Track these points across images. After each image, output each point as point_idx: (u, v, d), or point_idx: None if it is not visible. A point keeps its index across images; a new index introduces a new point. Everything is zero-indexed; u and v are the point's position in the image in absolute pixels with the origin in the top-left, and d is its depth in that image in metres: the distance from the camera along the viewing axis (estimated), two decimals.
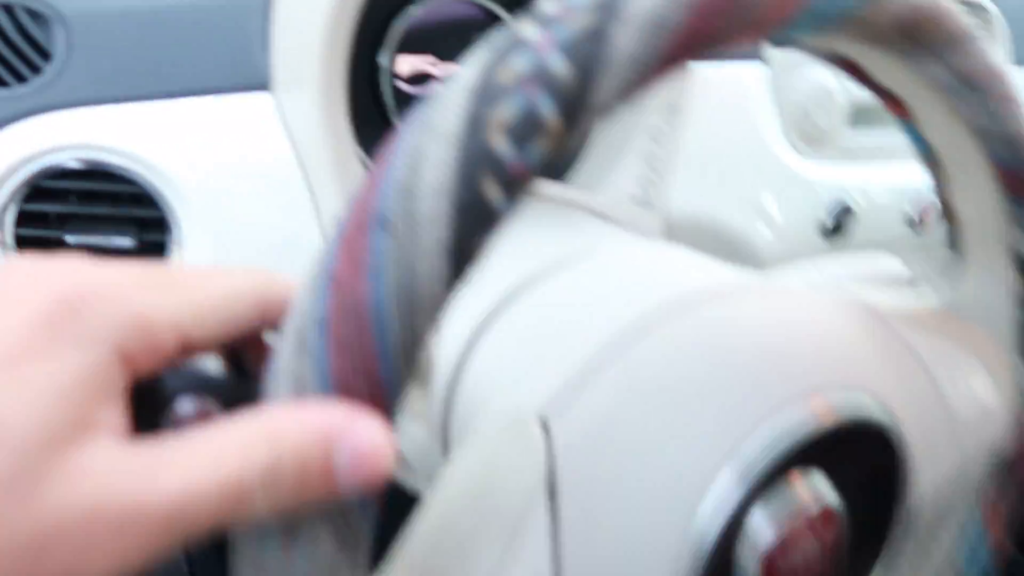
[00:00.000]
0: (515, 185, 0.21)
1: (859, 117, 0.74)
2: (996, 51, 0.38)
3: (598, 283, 0.41)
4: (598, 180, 0.64)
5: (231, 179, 0.52)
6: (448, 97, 0.21)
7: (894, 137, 0.44)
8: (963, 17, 0.32)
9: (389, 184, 0.21)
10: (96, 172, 0.50)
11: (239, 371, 0.27)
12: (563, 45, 0.21)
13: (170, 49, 0.51)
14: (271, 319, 0.25)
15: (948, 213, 0.41)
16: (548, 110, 0.21)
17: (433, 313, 0.21)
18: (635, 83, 0.23)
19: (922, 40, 0.31)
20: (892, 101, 0.36)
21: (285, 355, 0.21)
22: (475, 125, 0.21)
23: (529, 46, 0.22)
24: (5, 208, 0.48)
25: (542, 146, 0.21)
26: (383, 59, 0.60)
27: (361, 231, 0.21)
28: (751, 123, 0.68)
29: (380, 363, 0.20)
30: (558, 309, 0.40)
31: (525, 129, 0.21)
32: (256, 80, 0.52)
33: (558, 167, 0.62)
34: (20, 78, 0.49)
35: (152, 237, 0.51)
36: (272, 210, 0.52)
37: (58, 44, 0.50)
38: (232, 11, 0.52)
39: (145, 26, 0.51)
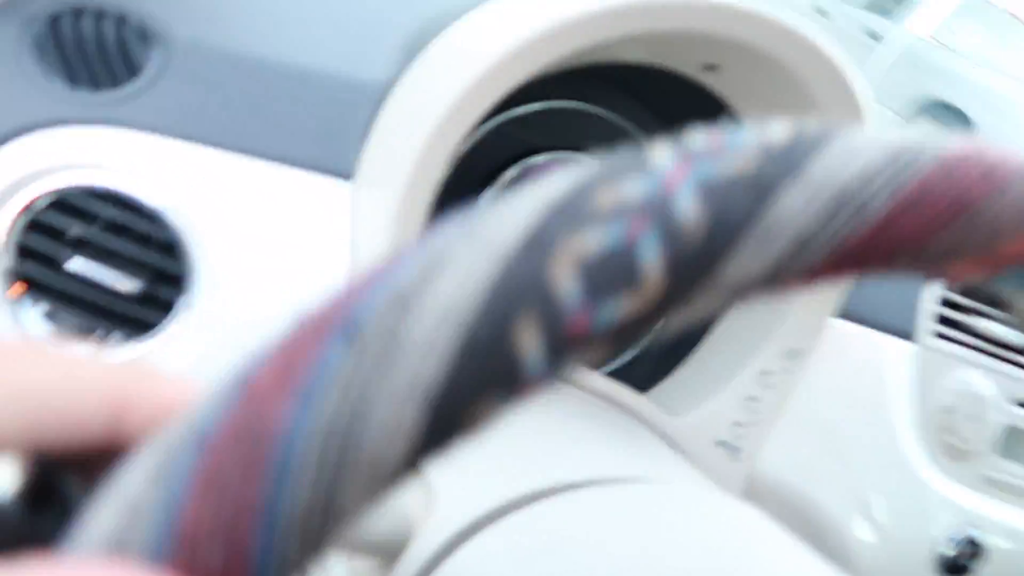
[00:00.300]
0: (565, 345, 0.14)
1: (1013, 443, 0.61)
2: None
3: (645, 525, 0.34)
4: (686, 402, 0.53)
5: (271, 255, 0.45)
6: (514, 203, 0.14)
7: None
8: None
9: (383, 288, 0.14)
10: (131, 205, 0.43)
11: (47, 496, 0.18)
12: (703, 183, 0.14)
13: (264, 105, 0.46)
14: (127, 432, 0.17)
15: None
16: (652, 257, 0.14)
17: (373, 487, 0.13)
18: (792, 269, 0.14)
19: None
20: None
21: (124, 482, 0.13)
22: (538, 244, 0.14)
23: (655, 173, 0.14)
24: (26, 210, 0.42)
25: (626, 305, 0.14)
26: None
27: (316, 336, 0.13)
28: (883, 406, 0.57)
29: (260, 525, 0.12)
30: (588, 535, 0.33)
31: (609, 272, 0.14)
32: (340, 167, 0.46)
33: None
34: (99, 86, 0.45)
35: (162, 292, 0.44)
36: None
37: (151, 64, 0.45)
38: (342, 92, 0.47)
39: (248, 74, 0.46)
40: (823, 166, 0.14)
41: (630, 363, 0.59)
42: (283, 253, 0.45)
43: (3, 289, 0.42)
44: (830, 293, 0.53)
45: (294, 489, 0.13)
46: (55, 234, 0.43)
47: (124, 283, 0.44)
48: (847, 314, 0.55)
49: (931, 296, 0.61)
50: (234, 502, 0.12)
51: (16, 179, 0.42)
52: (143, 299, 0.44)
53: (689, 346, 0.57)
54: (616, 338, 0.13)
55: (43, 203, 0.43)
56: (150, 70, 0.45)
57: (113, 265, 0.44)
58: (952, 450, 0.59)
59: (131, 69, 0.45)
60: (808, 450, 0.55)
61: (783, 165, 0.14)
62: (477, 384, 0.13)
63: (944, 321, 0.61)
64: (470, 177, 0.56)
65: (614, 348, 0.15)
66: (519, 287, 0.13)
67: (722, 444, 0.52)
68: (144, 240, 0.44)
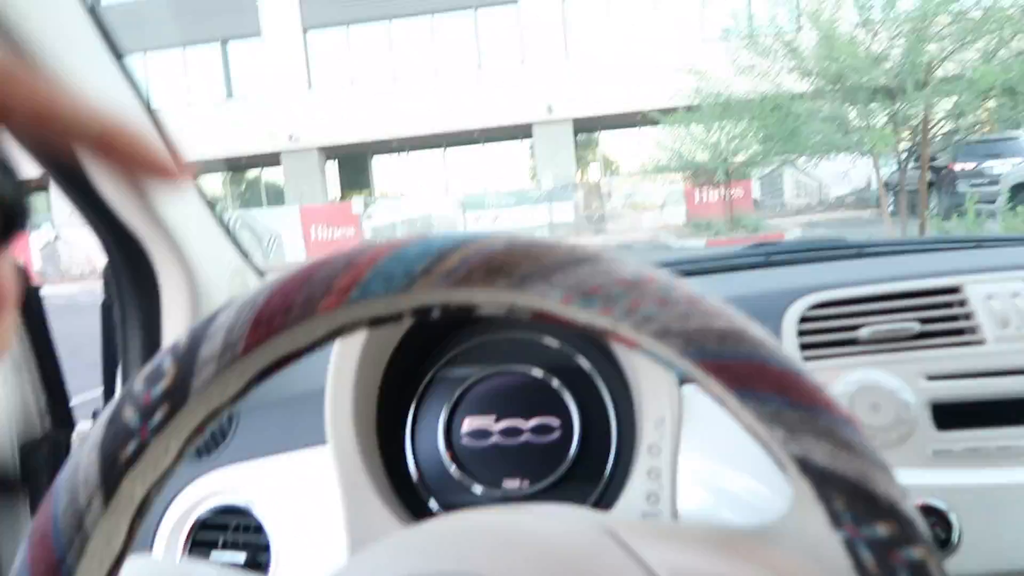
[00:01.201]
0: (146, 410, 0.37)
1: (941, 414, 0.66)
2: (624, 265, 0.39)
3: None
4: (614, 498, 0.69)
5: (305, 516, 0.73)
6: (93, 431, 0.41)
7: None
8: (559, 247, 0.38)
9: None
10: (236, 509, 0.76)
11: None
12: (172, 352, 0.40)
13: (284, 422, 0.78)
14: None
15: (753, 435, 0.39)
16: (168, 363, 0.38)
17: (89, 494, 0.37)
18: (227, 347, 0.38)
19: (514, 272, 0.38)
20: (601, 332, 0.39)
21: None
22: (127, 387, 0.39)
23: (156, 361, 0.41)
24: (190, 530, 0.76)
25: (163, 384, 0.37)
26: (419, 428, 0.79)
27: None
28: None
29: (53, 532, 0.37)
30: None
31: (154, 375, 0.36)
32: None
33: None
34: (209, 451, 0.80)
35: (259, 558, 0.74)
36: (323, 532, 0.71)
37: (231, 429, 0.80)
38: (317, 395, 0.78)
39: (272, 410, 0.80)
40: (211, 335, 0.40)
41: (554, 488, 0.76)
42: (310, 511, 0.73)
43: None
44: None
45: (60, 514, 0.39)
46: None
47: (232, 555, 0.74)
48: None
49: (790, 329, 0.72)
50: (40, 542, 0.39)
51: (188, 506, 0.76)
52: (247, 564, 0.74)
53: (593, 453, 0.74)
54: (169, 398, 0.39)
55: (204, 517, 0.76)
56: (229, 433, 0.80)
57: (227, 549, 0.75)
58: (880, 438, 0.66)
59: (223, 435, 0.80)
60: (709, 488, 0.66)
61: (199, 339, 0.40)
62: (114, 438, 0.39)
63: (807, 347, 0.71)
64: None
65: (174, 407, 0.39)
66: (121, 397, 0.39)
67: (647, 515, 0.66)
68: (245, 527, 0.75)
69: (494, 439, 0.79)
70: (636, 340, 0.39)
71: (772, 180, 14.46)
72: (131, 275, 0.77)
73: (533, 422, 0.78)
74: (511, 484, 0.77)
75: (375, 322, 0.41)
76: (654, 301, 0.37)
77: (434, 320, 0.78)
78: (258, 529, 0.74)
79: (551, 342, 0.81)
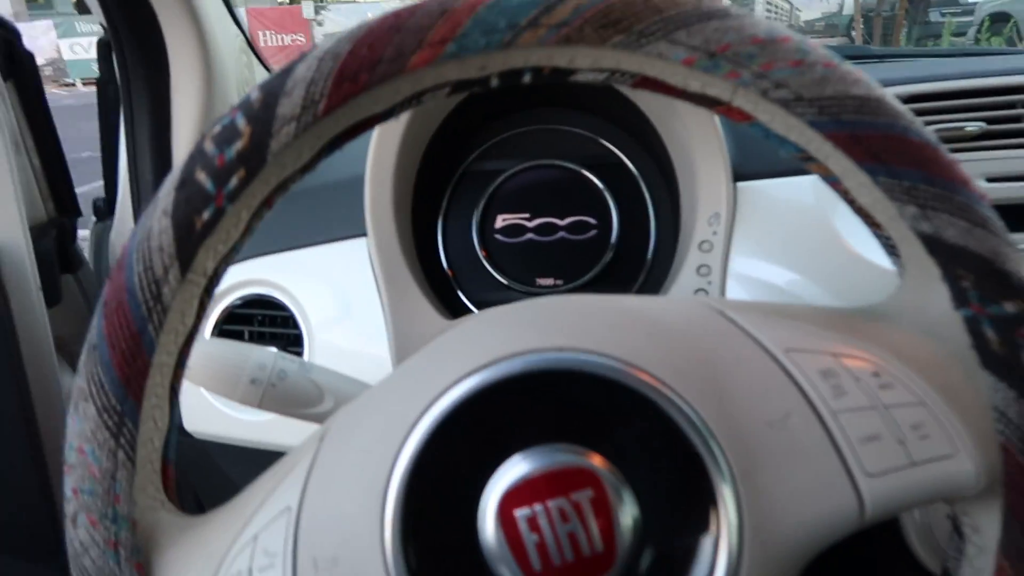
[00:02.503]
0: (221, 174, 0.32)
1: None
2: (757, 22, 0.36)
3: None
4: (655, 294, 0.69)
5: (339, 304, 0.71)
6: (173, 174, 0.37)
7: None
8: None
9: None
10: (260, 300, 0.74)
11: None
12: (244, 110, 0.34)
13: (311, 213, 0.75)
14: None
15: (863, 216, 0.38)
16: (241, 122, 0.34)
17: (165, 263, 0.33)
18: (308, 105, 0.33)
19: (633, 26, 0.33)
20: (712, 103, 0.36)
21: None
22: (197, 147, 0.34)
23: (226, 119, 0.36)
24: (216, 320, 0.74)
25: (239, 146, 0.32)
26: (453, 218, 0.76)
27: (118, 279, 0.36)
28: (825, 219, 0.66)
29: (130, 303, 0.34)
30: None
31: (226, 135, 0.32)
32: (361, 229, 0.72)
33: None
34: None
35: (289, 350, 0.72)
36: (360, 325, 0.70)
37: None
38: (350, 184, 0.74)
39: (299, 200, 0.75)
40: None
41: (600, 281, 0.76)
42: (343, 298, 0.71)
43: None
44: (717, 156, 0.66)
45: (135, 278, 0.34)
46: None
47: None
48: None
49: None
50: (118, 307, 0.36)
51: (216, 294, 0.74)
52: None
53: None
54: (245, 163, 0.34)
55: (233, 306, 0.74)
56: None
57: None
58: None
59: None
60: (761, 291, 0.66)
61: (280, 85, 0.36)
62: (186, 201, 0.34)
63: None
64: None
65: (251, 172, 0.34)
66: (191, 157, 0.34)
67: None
68: (274, 319, 0.73)
69: (529, 236, 0.77)
70: (751, 112, 0.36)
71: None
72: (137, 43, 0.69)
73: (569, 219, 0.76)
74: (545, 282, 0.76)
75: (460, 86, 0.36)
76: (789, 63, 0.33)
77: (474, 104, 0.74)
78: (287, 321, 0.73)
79: (590, 135, 0.77)
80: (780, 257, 0.66)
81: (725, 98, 0.35)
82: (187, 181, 0.34)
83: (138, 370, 0.34)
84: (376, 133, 0.67)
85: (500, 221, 0.77)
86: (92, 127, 0.87)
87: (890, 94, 0.34)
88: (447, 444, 0.32)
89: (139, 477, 0.35)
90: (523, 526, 0.30)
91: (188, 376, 0.52)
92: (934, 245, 0.34)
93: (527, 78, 0.37)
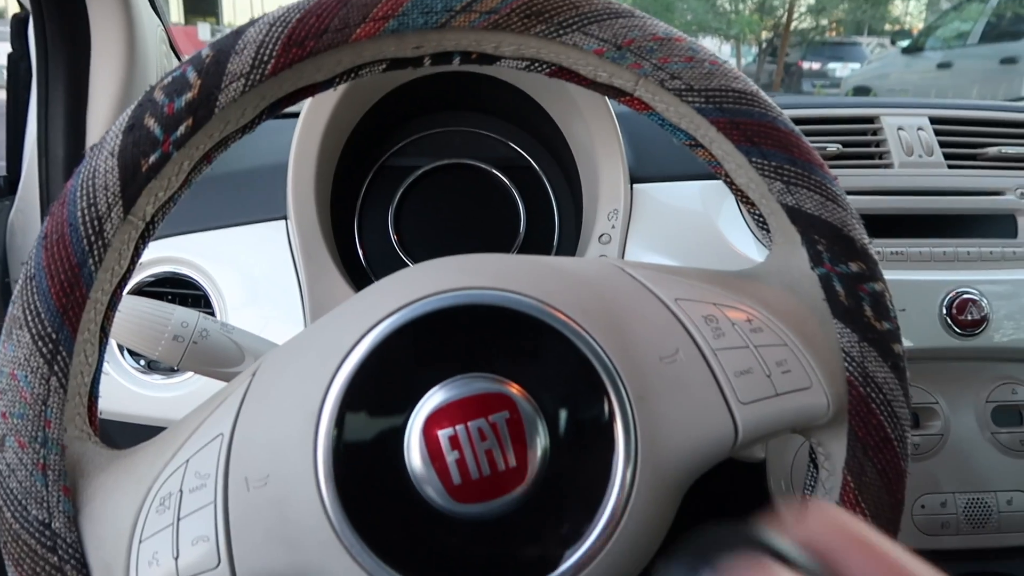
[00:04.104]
0: (170, 121, 0.35)
1: None
2: (656, 23, 0.41)
3: None
4: None
5: (253, 285, 0.73)
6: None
7: None
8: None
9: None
10: (173, 279, 0.74)
11: None
12: (195, 64, 0.37)
13: (227, 196, 0.76)
14: None
15: (740, 194, 0.43)
16: (192, 75, 0.36)
17: (109, 201, 0.35)
18: (256, 65, 0.36)
19: (553, 18, 0.38)
20: (617, 93, 0.41)
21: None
22: (146, 96, 0.37)
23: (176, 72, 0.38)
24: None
25: (188, 96, 0.35)
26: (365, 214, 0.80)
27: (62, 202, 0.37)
28: (709, 220, 0.74)
29: (72, 236, 0.35)
30: None
31: (176, 86, 0.35)
32: (282, 212, 0.74)
33: None
34: None
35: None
36: (274, 306, 0.72)
37: None
38: (270, 171, 0.76)
39: (216, 183, 0.77)
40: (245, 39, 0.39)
41: None
42: (259, 278, 0.73)
43: None
44: (616, 159, 0.73)
45: (78, 214, 0.35)
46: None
47: None
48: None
49: None
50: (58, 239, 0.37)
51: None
52: None
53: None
54: (194, 112, 0.36)
55: (144, 284, 0.74)
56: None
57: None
58: None
59: None
60: None
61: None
62: (135, 144, 0.35)
63: None
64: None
65: (198, 122, 0.36)
66: (140, 105, 0.36)
67: None
68: (187, 298, 0.74)
69: (441, 229, 0.81)
70: (650, 103, 0.42)
71: None
72: (60, 19, 0.70)
73: (480, 214, 0.81)
74: None
75: (396, 63, 0.41)
76: (682, 59, 0.40)
77: (393, 103, 0.78)
78: (199, 300, 0.74)
79: (500, 139, 0.83)
80: (669, 251, 0.74)
81: (629, 88, 0.41)
82: (136, 126, 0.36)
83: (75, 301, 0.36)
84: (301, 122, 0.71)
85: (414, 213, 0.81)
86: None
87: (762, 92, 0.41)
88: (378, 372, 0.35)
89: (69, 406, 0.36)
90: (445, 444, 0.33)
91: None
92: (796, 215, 0.41)
93: (456, 61, 0.42)
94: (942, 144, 0.79)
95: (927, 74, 6.40)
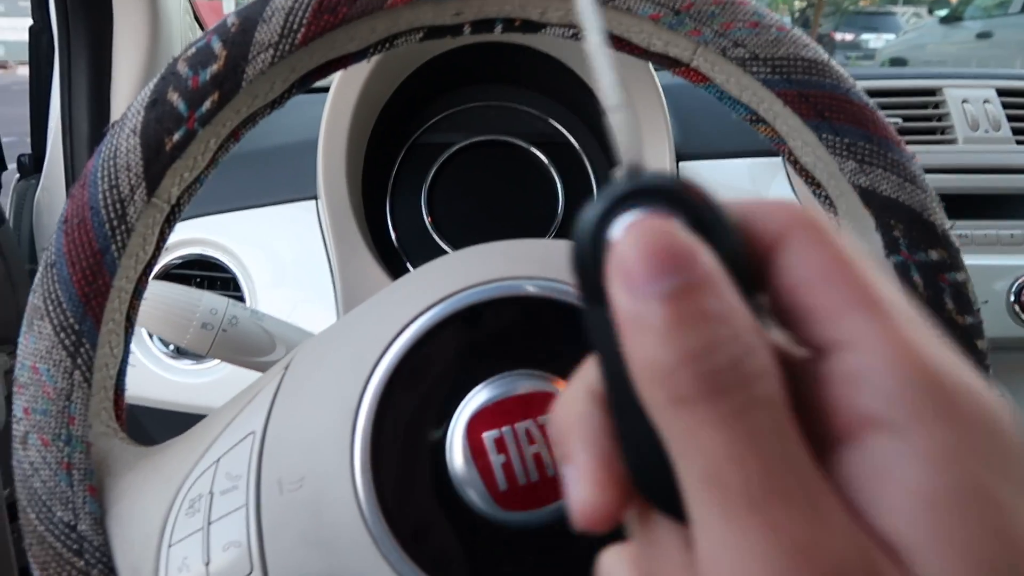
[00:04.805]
0: (195, 96, 0.32)
1: None
2: None
3: None
4: None
5: (283, 267, 0.71)
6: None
7: None
8: None
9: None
10: (201, 261, 0.72)
11: None
12: (220, 34, 0.34)
13: (256, 175, 0.74)
14: None
15: (805, 174, 0.40)
16: (217, 45, 0.33)
17: (132, 183, 0.32)
18: (286, 34, 0.33)
19: None
20: (673, 63, 0.38)
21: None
22: (169, 68, 0.34)
23: (200, 43, 0.35)
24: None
25: (214, 68, 0.32)
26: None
27: (82, 185, 0.34)
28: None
29: (93, 220, 0.32)
30: None
31: (200, 57, 0.32)
32: (312, 192, 0.72)
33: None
34: None
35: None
36: (303, 288, 0.69)
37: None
38: (299, 149, 0.74)
39: (244, 162, 0.74)
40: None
41: None
42: (288, 258, 0.71)
43: None
44: (662, 135, 0.69)
45: (100, 196, 0.33)
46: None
47: None
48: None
49: None
50: (80, 225, 0.33)
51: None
52: None
53: None
54: (220, 86, 0.33)
55: (172, 265, 0.72)
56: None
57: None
58: None
59: None
60: None
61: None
62: (158, 120, 0.33)
63: None
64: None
65: (224, 97, 0.33)
66: (164, 78, 0.33)
67: None
68: (215, 280, 0.72)
69: (476, 209, 0.78)
70: (708, 74, 0.38)
71: None
72: None
73: (517, 194, 0.78)
74: None
75: (434, 32, 0.38)
76: (747, 24, 0.36)
77: (425, 78, 0.75)
78: (228, 283, 0.71)
79: (538, 114, 0.79)
80: None
81: (686, 58, 0.38)
82: (159, 101, 0.33)
83: (98, 290, 0.33)
84: (331, 97, 0.68)
85: (448, 191, 0.78)
86: (13, 112, 0.82)
87: (833, 60, 0.37)
88: (419, 368, 0.32)
89: (94, 401, 0.34)
90: (490, 446, 0.31)
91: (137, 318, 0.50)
92: (870, 197, 0.38)
93: (499, 29, 0.38)
94: (1010, 118, 0.74)
95: (966, 44, 6.20)
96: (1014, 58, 5.36)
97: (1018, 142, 0.74)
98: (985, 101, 0.75)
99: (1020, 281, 0.69)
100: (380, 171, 0.77)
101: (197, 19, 0.90)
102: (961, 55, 6.05)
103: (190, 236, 0.71)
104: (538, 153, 0.78)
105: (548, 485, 0.31)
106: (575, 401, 0.17)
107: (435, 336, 0.33)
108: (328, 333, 0.37)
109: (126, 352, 0.36)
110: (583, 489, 0.16)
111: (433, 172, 0.77)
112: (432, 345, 0.33)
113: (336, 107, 0.67)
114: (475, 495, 0.31)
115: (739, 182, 0.72)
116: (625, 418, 0.16)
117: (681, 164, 0.70)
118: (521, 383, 0.32)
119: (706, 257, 0.14)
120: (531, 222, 0.77)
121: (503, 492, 0.31)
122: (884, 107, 0.76)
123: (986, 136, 0.73)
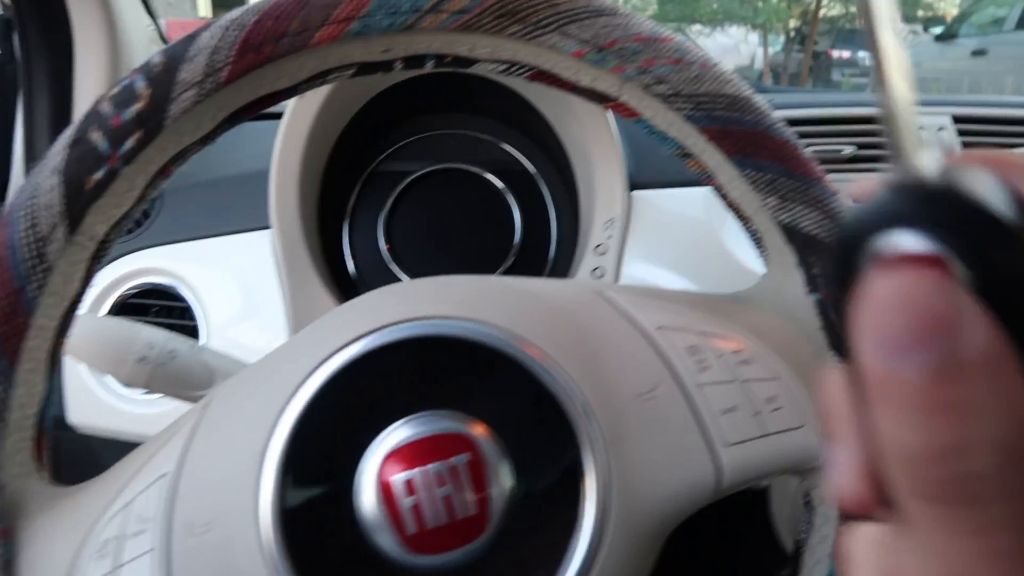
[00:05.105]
0: (117, 135, 0.32)
1: None
2: (641, 21, 0.37)
3: None
4: None
5: (238, 297, 0.71)
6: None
7: None
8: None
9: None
10: (155, 291, 0.72)
11: None
12: (145, 72, 0.34)
13: (213, 204, 0.74)
14: None
15: (733, 209, 0.40)
16: (141, 84, 0.33)
17: (52, 222, 0.32)
18: (210, 72, 0.33)
19: (529, 17, 0.35)
20: (602, 99, 0.38)
21: None
22: (93, 107, 0.33)
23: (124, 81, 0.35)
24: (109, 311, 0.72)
25: (137, 107, 0.32)
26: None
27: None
28: (712, 230, 0.70)
29: (11, 259, 0.32)
30: None
31: (124, 96, 0.32)
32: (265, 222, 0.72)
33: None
34: (131, 231, 0.75)
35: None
36: (260, 319, 0.69)
37: (155, 208, 0.75)
38: (256, 178, 0.74)
39: (201, 191, 0.75)
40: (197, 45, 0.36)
41: None
42: (244, 286, 0.71)
43: None
44: (614, 164, 0.69)
45: (17, 237, 0.32)
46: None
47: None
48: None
49: None
50: None
51: (108, 285, 0.71)
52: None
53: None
54: (143, 125, 0.33)
55: (126, 296, 0.72)
56: (154, 211, 0.75)
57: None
58: None
59: (146, 215, 0.75)
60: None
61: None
62: (79, 161, 0.33)
63: None
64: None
65: (148, 135, 0.33)
66: (85, 118, 0.33)
67: None
68: (170, 310, 0.72)
69: (435, 235, 0.78)
70: (636, 108, 0.39)
71: None
72: (40, 22, 0.68)
73: (475, 221, 0.78)
74: None
75: (365, 68, 0.38)
76: (669, 61, 0.36)
77: (381, 107, 0.75)
78: (184, 312, 0.71)
79: (494, 141, 0.80)
80: (669, 263, 0.70)
81: (613, 93, 0.38)
82: (80, 140, 0.34)
83: (15, 329, 0.33)
84: (283, 127, 0.68)
85: (407, 221, 0.78)
86: None
87: (757, 95, 0.37)
88: (329, 410, 0.32)
89: (10, 442, 0.34)
90: (399, 489, 0.30)
91: (72, 352, 0.50)
92: (791, 234, 0.38)
93: (429, 65, 0.38)
94: (965, 145, 0.74)
95: (961, 62, 6.24)
96: (1007, 75, 5.38)
97: None
98: (940, 128, 0.75)
99: None
100: (339, 199, 0.77)
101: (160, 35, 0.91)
102: (956, 72, 6.09)
103: (146, 265, 0.72)
104: (496, 181, 0.78)
105: (458, 528, 0.31)
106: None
107: (344, 378, 0.33)
108: (245, 373, 0.37)
109: (50, 390, 0.36)
110: (848, 477, 0.14)
111: (392, 200, 0.78)
112: (341, 387, 0.33)
113: (288, 136, 0.68)
114: (384, 539, 0.30)
115: (693, 211, 0.72)
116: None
117: (634, 193, 0.70)
118: (433, 424, 0.32)
119: (985, 332, 0.11)
120: (489, 249, 0.77)
121: (412, 535, 0.30)
122: (840, 135, 0.76)
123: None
